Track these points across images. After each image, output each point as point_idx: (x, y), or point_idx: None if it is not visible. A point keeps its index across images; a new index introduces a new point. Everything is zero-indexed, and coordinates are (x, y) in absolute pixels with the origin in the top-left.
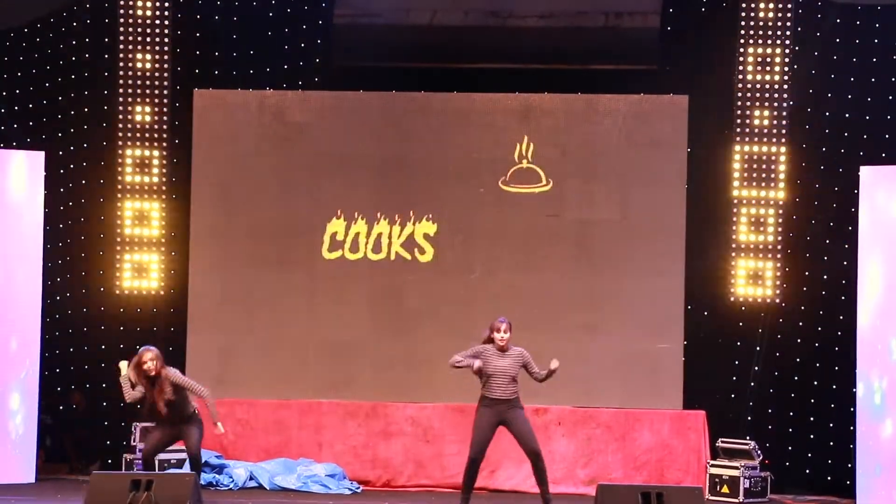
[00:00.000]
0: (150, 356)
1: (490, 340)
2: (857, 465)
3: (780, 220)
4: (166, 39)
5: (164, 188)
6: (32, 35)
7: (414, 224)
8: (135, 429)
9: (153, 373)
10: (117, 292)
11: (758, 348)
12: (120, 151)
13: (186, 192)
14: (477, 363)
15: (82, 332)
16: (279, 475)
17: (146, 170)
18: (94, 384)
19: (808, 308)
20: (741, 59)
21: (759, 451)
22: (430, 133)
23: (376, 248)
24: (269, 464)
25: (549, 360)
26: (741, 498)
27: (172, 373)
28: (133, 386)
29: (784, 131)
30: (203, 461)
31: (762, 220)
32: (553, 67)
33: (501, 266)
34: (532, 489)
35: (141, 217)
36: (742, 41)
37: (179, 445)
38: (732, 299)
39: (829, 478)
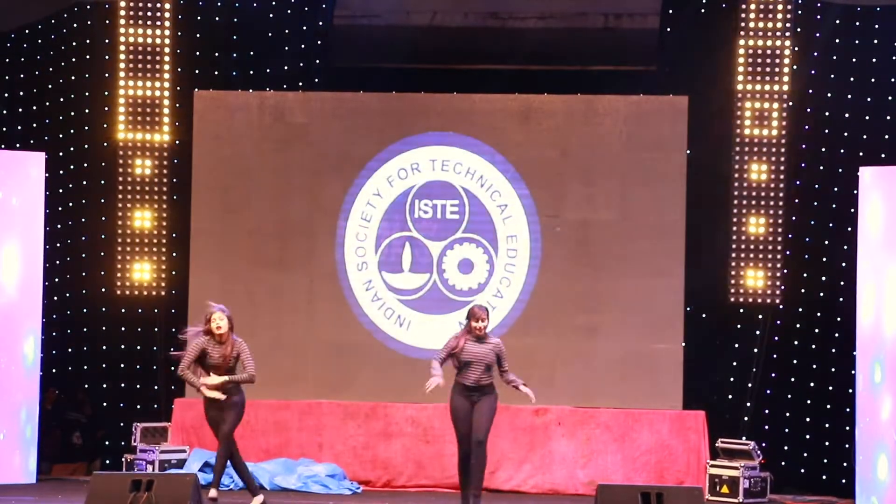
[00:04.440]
0: (217, 315)
1: (469, 328)
2: (855, 465)
3: (780, 221)
4: (167, 41)
5: (164, 188)
6: (33, 36)
7: None
8: (135, 429)
9: (220, 333)
10: (118, 293)
11: (755, 350)
12: (120, 153)
13: (186, 192)
14: (436, 382)
15: (82, 332)
16: (279, 475)
17: (146, 170)
18: (94, 384)
19: (807, 309)
20: (741, 59)
21: (758, 452)
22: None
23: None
24: (270, 464)
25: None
26: (741, 498)
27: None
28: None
29: (784, 131)
30: (203, 462)
31: (762, 220)
32: (553, 68)
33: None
34: (532, 489)
35: (141, 217)
36: (742, 42)
37: (179, 445)
38: (732, 300)
39: (824, 477)
